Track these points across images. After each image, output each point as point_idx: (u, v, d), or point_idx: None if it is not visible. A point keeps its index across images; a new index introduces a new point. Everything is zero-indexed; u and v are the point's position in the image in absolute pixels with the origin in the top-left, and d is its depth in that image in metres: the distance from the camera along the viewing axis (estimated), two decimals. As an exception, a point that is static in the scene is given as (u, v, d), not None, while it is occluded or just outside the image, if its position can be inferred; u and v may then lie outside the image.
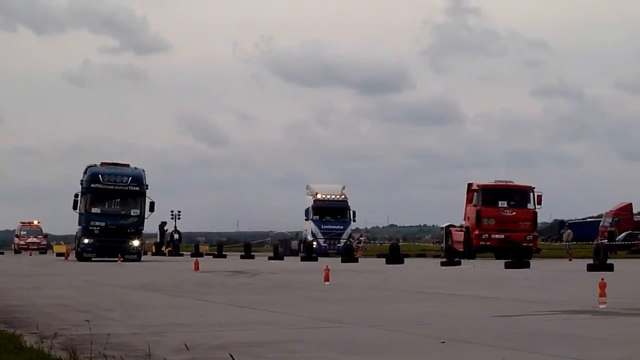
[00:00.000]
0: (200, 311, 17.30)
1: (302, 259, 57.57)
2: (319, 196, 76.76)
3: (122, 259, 52.11)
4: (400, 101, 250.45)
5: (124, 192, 56.11)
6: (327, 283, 26.23)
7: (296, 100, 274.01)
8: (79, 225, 57.30)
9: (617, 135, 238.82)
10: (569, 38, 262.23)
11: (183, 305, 18.85)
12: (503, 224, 58.62)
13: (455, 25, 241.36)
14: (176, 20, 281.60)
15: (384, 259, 50.30)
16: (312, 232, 75.95)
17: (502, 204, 59.27)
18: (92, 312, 16.62)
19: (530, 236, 58.52)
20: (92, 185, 55.60)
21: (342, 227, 76.60)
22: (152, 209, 57.50)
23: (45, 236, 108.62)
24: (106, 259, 54.11)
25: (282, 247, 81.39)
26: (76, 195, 56.35)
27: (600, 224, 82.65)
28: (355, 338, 12.41)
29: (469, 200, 61.06)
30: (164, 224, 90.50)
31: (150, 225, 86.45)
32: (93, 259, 54.47)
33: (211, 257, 68.32)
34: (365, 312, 16.62)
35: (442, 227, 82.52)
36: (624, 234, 71.93)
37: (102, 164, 57.52)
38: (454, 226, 77.50)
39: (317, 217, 76.53)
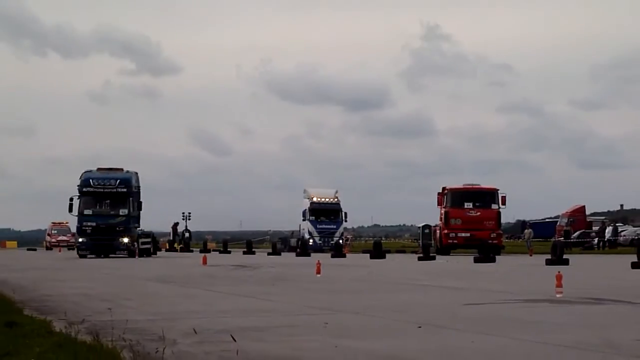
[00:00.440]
0: (208, 300, 17.27)
1: (297, 255, 57.40)
2: (314, 199, 76.63)
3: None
4: (382, 117, 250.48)
5: (113, 194, 54.80)
6: (319, 275, 26.20)
7: (291, 116, 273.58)
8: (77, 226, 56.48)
9: (572, 147, 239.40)
10: (530, 61, 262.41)
11: (193, 295, 18.80)
12: (468, 224, 57.43)
13: (430, 50, 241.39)
14: (186, 46, 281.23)
15: (368, 255, 50.15)
16: (308, 231, 75.74)
17: (468, 205, 58.05)
18: (113, 301, 16.57)
19: (495, 234, 57.12)
20: (84, 189, 54.76)
21: (335, 226, 76.42)
22: (139, 208, 56.64)
23: (73, 235, 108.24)
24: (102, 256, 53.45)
25: (283, 244, 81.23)
26: (71, 199, 55.15)
27: (558, 224, 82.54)
28: (343, 323, 12.39)
29: (440, 202, 59.97)
30: (176, 224, 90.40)
31: (165, 226, 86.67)
32: (88, 256, 53.52)
33: (217, 252, 68.13)
34: (351, 301, 16.58)
35: (419, 227, 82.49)
36: (578, 233, 71.85)
37: (98, 169, 56.55)
38: (430, 226, 77.56)
39: (313, 217, 76.35)
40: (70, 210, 55.26)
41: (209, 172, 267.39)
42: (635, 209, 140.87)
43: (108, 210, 54.94)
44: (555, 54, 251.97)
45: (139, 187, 57.22)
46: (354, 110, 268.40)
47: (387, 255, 51.00)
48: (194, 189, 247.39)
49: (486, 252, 40.73)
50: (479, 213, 57.79)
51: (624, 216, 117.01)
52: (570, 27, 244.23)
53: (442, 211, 59.27)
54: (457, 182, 61.98)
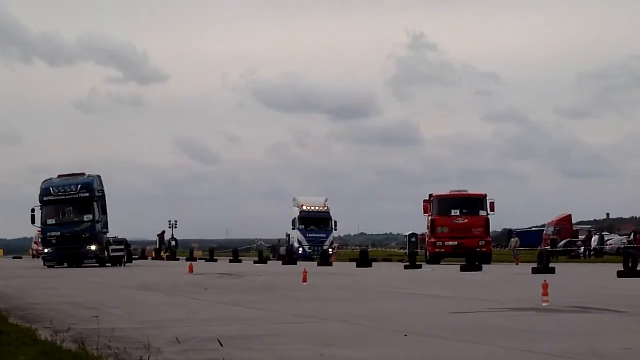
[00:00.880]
0: (194, 308, 17.24)
1: (284, 263, 57.33)
2: (304, 207, 76.04)
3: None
4: (369, 125, 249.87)
5: (75, 200, 52.21)
6: (305, 284, 26.16)
7: (277, 125, 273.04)
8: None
9: (558, 155, 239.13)
10: (516, 71, 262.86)
11: (179, 304, 18.77)
12: (456, 232, 55.21)
13: (416, 59, 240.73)
14: (173, 54, 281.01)
15: (354, 263, 50.11)
16: (298, 239, 75.13)
17: (455, 212, 56.00)
18: (99, 310, 16.53)
19: (483, 241, 54.88)
20: (45, 198, 52.27)
21: (325, 235, 75.73)
22: (105, 212, 54.22)
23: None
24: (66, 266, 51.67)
25: (272, 252, 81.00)
26: (32, 211, 52.74)
27: (544, 233, 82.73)
28: (329, 332, 12.38)
29: (427, 210, 57.92)
30: (163, 232, 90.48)
31: (151, 234, 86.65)
32: (56, 267, 51.31)
33: (204, 261, 68.05)
34: (338, 309, 16.57)
35: (406, 235, 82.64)
36: (564, 241, 71.91)
37: (59, 176, 54.21)
38: (417, 235, 77.49)
39: (303, 226, 75.52)
40: (33, 222, 53.27)
41: (195, 181, 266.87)
42: (621, 218, 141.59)
43: (72, 217, 52.65)
44: (541, 64, 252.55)
45: (102, 190, 54.63)
46: (341, 119, 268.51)
47: (374, 263, 50.95)
48: (180, 198, 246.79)
49: (474, 261, 40.63)
50: (466, 220, 55.71)
51: (610, 225, 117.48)
52: (555, 36, 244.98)
53: (429, 219, 57.28)
54: (444, 191, 60.59)
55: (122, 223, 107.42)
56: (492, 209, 56.53)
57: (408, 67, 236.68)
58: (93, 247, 52.41)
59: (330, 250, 70.81)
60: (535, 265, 35.85)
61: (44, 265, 52.58)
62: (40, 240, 55.15)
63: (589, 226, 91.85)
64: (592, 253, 65.93)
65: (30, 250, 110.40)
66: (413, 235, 78.08)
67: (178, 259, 77.79)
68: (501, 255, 74.47)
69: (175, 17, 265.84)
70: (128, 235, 57.97)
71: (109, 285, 28.62)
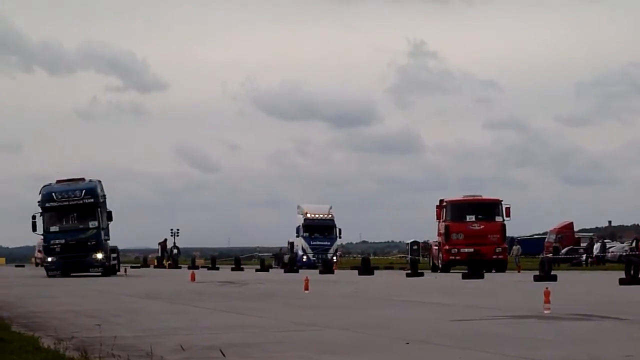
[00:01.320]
0: (196, 316, 17.26)
1: (286, 271, 57.29)
2: (308, 215, 75.65)
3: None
4: (369, 133, 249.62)
5: (79, 206, 49.73)
6: (307, 292, 26.15)
7: (278, 133, 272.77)
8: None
9: (558, 163, 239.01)
10: (516, 78, 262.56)
11: (181, 312, 18.78)
12: (471, 238, 52.38)
13: (416, 67, 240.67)
14: (173, 63, 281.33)
15: (356, 271, 50.12)
16: (302, 247, 74.78)
17: (470, 217, 53.53)
18: (101, 318, 16.54)
19: (500, 248, 52.74)
20: (47, 204, 49.53)
21: (329, 243, 75.33)
22: (110, 218, 51.74)
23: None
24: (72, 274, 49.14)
25: (276, 261, 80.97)
26: (33, 217, 50.10)
27: (546, 240, 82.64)
28: (330, 340, 12.39)
29: (439, 216, 55.23)
30: (164, 241, 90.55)
31: (153, 242, 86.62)
32: (57, 276, 48.28)
33: (206, 269, 68.07)
34: (339, 317, 16.57)
35: (408, 243, 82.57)
36: (566, 249, 71.84)
37: (58, 181, 51.52)
38: (419, 242, 77.35)
39: (307, 234, 75.06)
40: (35, 229, 50.52)
41: (196, 189, 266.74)
42: (623, 225, 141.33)
43: (76, 224, 50.13)
44: (541, 71, 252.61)
45: (105, 196, 52.25)
46: (341, 127, 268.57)
47: (376, 271, 50.95)
48: (181, 206, 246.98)
49: (479, 269, 40.39)
50: (482, 226, 53.27)
51: (612, 232, 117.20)
52: (555, 44, 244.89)
53: (442, 225, 54.67)
54: (448, 196, 58.20)
55: (123, 231, 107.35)
56: (508, 215, 54.23)
57: (408, 75, 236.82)
58: (99, 255, 50.11)
59: (334, 258, 70.74)
60: (536, 272, 35.83)
61: (47, 275, 49.94)
62: (42, 248, 53.22)
63: (591, 234, 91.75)
64: (594, 260, 65.84)
65: (33, 259, 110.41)
66: (415, 243, 78.06)
67: (180, 267, 77.83)
68: (503, 262, 74.37)
69: (175, 26, 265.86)
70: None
71: (110, 293, 28.61)
